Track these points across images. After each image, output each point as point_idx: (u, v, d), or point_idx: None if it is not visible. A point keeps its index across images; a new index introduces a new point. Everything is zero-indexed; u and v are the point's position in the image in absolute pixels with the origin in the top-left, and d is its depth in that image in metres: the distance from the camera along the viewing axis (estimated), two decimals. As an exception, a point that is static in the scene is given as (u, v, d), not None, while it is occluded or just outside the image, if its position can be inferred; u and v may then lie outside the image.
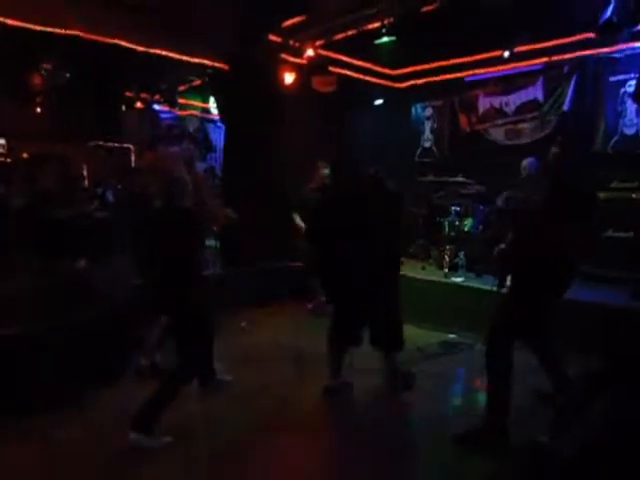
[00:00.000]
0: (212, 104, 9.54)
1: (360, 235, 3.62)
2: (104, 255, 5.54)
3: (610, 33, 4.90)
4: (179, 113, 10.61)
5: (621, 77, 6.53)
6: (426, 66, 8.22)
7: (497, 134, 7.95)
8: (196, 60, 7.13)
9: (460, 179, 7.28)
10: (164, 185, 3.40)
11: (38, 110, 8.07)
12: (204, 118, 10.93)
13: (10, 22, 5.66)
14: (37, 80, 6.92)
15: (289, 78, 7.10)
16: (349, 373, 3.97)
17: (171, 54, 6.81)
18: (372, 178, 3.90)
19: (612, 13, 4.64)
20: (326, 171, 5.43)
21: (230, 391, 3.94)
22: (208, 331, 3.85)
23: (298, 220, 5.89)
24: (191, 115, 10.99)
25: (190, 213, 3.36)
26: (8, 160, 8.17)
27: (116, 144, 9.84)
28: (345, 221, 3.65)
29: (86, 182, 8.07)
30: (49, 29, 5.92)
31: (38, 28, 5.87)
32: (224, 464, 2.98)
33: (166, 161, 4.08)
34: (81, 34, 6.08)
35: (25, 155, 8.53)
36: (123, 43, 6.36)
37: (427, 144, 9.04)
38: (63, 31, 5.99)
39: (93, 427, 3.32)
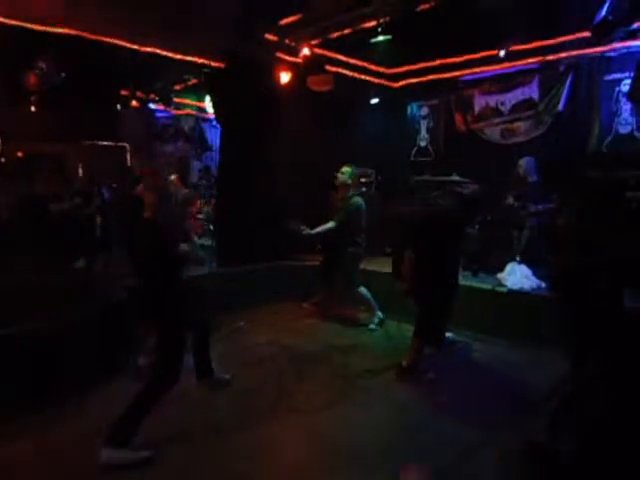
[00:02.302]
0: (208, 103, 9.51)
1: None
2: (102, 254, 5.53)
3: (605, 32, 4.90)
4: (174, 112, 10.58)
5: (616, 76, 6.56)
6: (422, 65, 8.20)
7: (493, 133, 7.97)
8: (192, 59, 7.09)
9: (456, 178, 7.28)
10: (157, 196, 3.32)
11: (33, 109, 8.01)
12: (200, 117, 10.89)
13: (4, 21, 5.62)
14: (32, 79, 6.85)
15: (285, 77, 7.08)
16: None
17: (167, 52, 6.77)
18: None
19: (607, 12, 4.65)
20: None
21: (228, 390, 3.95)
22: (201, 331, 3.84)
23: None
24: (187, 114, 10.95)
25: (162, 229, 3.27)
26: (2, 160, 8.12)
27: (111, 143, 9.80)
28: None
29: (81, 181, 8.03)
30: (44, 28, 5.88)
31: (32, 27, 5.83)
32: (223, 463, 2.98)
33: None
34: (76, 33, 6.05)
35: (20, 154, 8.48)
36: (119, 42, 6.33)
37: (423, 143, 9.06)
38: (58, 30, 5.95)
39: (92, 425, 3.31)
